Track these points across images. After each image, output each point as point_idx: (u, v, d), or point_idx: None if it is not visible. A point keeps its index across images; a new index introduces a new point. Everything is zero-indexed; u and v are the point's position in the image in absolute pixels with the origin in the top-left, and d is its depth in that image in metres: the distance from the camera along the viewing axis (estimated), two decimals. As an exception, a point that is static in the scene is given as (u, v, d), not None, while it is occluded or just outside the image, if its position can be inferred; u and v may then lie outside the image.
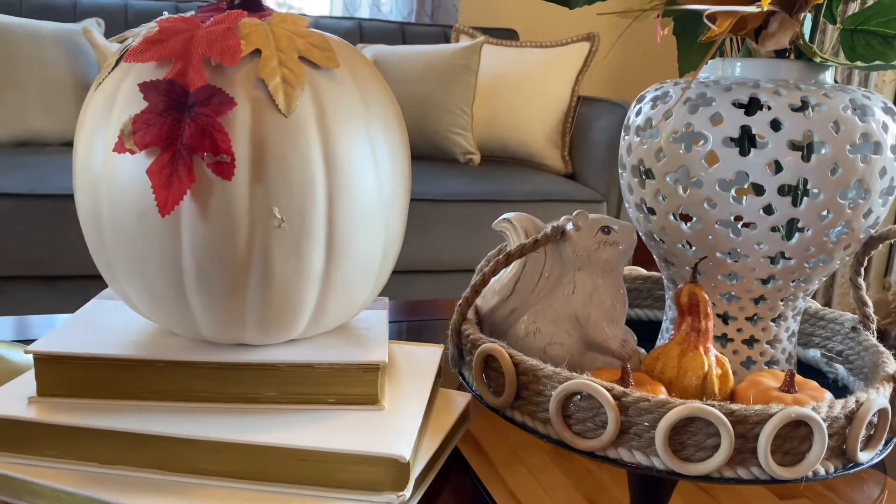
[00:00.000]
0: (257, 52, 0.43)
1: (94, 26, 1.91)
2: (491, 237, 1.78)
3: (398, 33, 2.25)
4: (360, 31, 2.22)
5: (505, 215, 0.65)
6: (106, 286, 0.92)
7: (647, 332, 0.72)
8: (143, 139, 0.41)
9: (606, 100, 2.01)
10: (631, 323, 0.68)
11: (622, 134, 0.64)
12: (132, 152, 0.41)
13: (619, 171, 0.65)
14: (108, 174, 0.43)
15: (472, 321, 0.61)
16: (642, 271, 0.80)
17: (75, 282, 1.60)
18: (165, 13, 0.49)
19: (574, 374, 0.51)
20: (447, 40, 2.27)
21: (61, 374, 0.46)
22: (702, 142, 0.56)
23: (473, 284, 0.60)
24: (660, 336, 0.69)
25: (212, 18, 0.44)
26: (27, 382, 0.48)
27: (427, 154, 2.03)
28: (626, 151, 0.62)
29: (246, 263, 0.43)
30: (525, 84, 2.06)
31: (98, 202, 0.44)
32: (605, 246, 0.60)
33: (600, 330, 0.60)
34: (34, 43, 1.77)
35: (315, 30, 0.47)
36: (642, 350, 0.62)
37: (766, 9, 0.46)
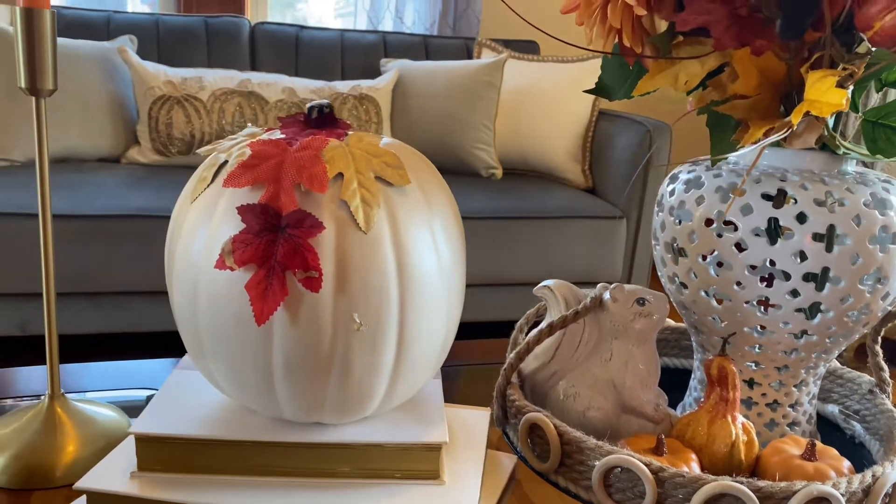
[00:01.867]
0: (339, 174, 0.48)
1: (128, 44, 1.97)
2: (514, 253, 1.83)
3: (421, 46, 2.29)
4: (384, 45, 2.26)
5: (545, 283, 0.70)
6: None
7: (674, 378, 0.78)
8: (241, 257, 0.46)
9: (627, 116, 2.04)
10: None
11: (655, 209, 0.69)
12: (232, 269, 0.46)
13: (653, 242, 0.70)
14: (206, 284, 0.48)
15: (515, 384, 0.67)
16: (671, 322, 0.85)
17: (114, 298, 1.66)
18: (249, 125, 0.54)
19: (615, 447, 0.56)
20: (469, 53, 2.31)
21: (159, 452, 0.52)
22: (732, 226, 0.61)
23: (518, 351, 0.66)
24: (688, 392, 0.74)
25: (298, 143, 0.49)
26: (125, 455, 0.54)
27: (450, 169, 2.08)
28: (660, 227, 0.67)
29: (328, 361, 0.48)
30: (546, 98, 2.10)
31: (196, 304, 0.49)
32: (640, 317, 0.65)
33: (635, 395, 0.65)
34: (72, 62, 1.83)
35: (389, 143, 0.52)
36: (673, 412, 0.67)
37: (796, 123, 0.50)
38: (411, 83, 2.08)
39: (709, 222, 0.61)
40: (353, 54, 2.23)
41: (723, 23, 0.50)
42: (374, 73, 2.22)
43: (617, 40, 0.58)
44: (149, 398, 0.75)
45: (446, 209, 0.53)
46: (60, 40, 1.85)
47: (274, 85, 1.94)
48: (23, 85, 0.56)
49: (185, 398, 0.56)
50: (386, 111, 2.04)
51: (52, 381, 0.62)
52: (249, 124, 0.56)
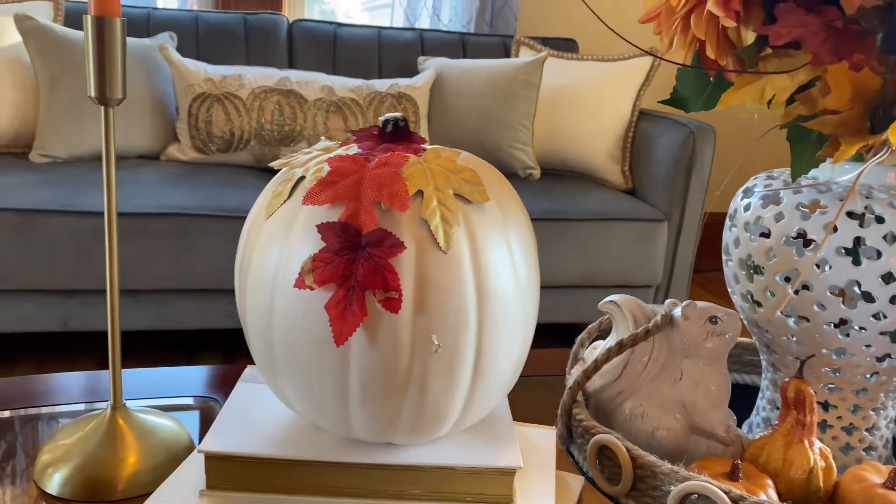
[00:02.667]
0: (419, 192, 0.47)
1: (169, 41, 1.97)
2: (552, 255, 1.81)
3: (458, 44, 2.27)
4: (422, 43, 2.24)
5: (611, 297, 0.68)
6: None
7: (737, 394, 0.76)
8: (321, 277, 0.45)
9: (669, 116, 2.01)
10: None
11: (727, 223, 0.67)
12: (311, 289, 0.45)
13: (724, 257, 0.67)
14: (282, 301, 0.47)
15: (581, 403, 0.65)
16: (732, 337, 0.82)
17: (154, 295, 1.67)
18: (323, 138, 0.53)
19: (691, 473, 0.54)
20: (507, 51, 2.28)
21: (228, 470, 0.51)
22: (813, 245, 0.59)
23: (586, 370, 0.64)
24: (755, 412, 0.72)
25: (376, 159, 0.48)
26: (192, 471, 0.53)
27: (488, 168, 2.06)
28: (734, 243, 0.65)
29: (405, 383, 0.47)
30: (586, 98, 2.07)
31: (270, 321, 0.48)
32: (712, 336, 0.63)
33: (706, 417, 0.63)
34: (113, 60, 1.83)
35: (466, 158, 0.50)
36: (743, 434, 0.65)
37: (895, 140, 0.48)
38: (449, 82, 2.07)
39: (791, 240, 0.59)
40: (391, 52, 2.22)
41: (819, 36, 0.48)
42: (412, 70, 2.21)
43: (697, 50, 0.56)
44: (203, 407, 0.74)
45: (522, 226, 0.52)
46: (102, 37, 1.85)
47: (312, 83, 1.93)
48: (92, 94, 0.55)
49: (252, 414, 0.55)
50: (423, 110, 2.03)
51: (115, 391, 0.62)
52: (323, 138, 0.54)
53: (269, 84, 1.89)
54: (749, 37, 0.52)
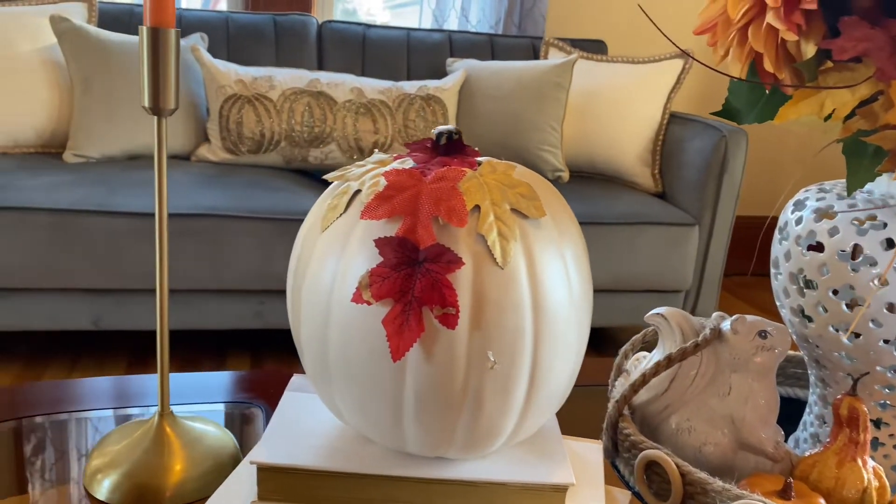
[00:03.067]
0: (476, 207, 0.46)
1: (200, 42, 1.98)
2: (581, 259, 1.79)
3: (487, 46, 2.26)
4: (450, 44, 2.24)
5: (658, 310, 0.68)
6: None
7: (780, 408, 0.74)
8: (378, 291, 0.45)
9: (700, 119, 1.99)
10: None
11: (776, 234, 0.66)
12: (369, 303, 0.45)
13: (773, 269, 0.66)
14: (339, 315, 0.47)
15: (627, 416, 0.64)
16: (776, 349, 0.81)
17: (185, 295, 1.68)
18: (377, 151, 0.53)
19: (743, 491, 0.54)
20: (536, 53, 2.27)
21: (279, 481, 0.51)
22: (861, 257, 0.57)
23: (633, 383, 0.63)
24: (802, 428, 0.71)
25: (432, 173, 0.48)
26: (244, 482, 0.53)
27: (516, 170, 2.06)
28: (784, 257, 0.64)
29: (460, 398, 0.47)
30: (615, 100, 2.05)
31: (326, 334, 0.48)
32: (761, 350, 0.62)
33: (755, 432, 0.62)
34: (146, 61, 1.85)
35: (521, 172, 0.50)
36: (792, 450, 0.64)
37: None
38: (478, 83, 2.06)
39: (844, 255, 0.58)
40: (419, 53, 2.21)
41: (885, 50, 0.47)
42: (440, 72, 2.21)
43: (752, 62, 0.56)
44: (244, 413, 0.75)
45: (576, 240, 0.51)
46: (132, 38, 1.87)
47: (342, 85, 1.93)
48: (146, 104, 0.55)
49: (302, 424, 0.55)
50: (452, 112, 2.02)
51: (162, 399, 0.62)
52: (377, 150, 0.54)
53: (300, 86, 1.90)
54: (809, 50, 0.51)
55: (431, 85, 2.02)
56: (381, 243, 0.45)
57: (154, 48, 0.54)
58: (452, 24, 2.41)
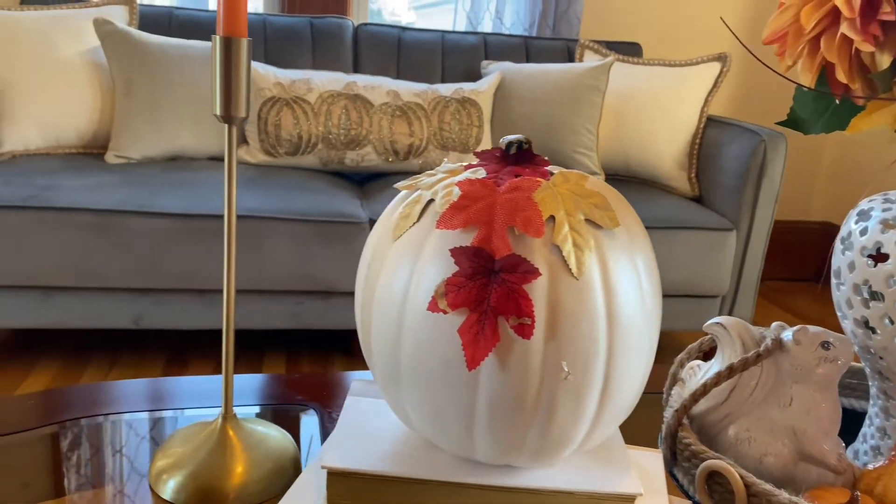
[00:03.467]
0: (550, 217, 0.46)
1: (239, 45, 2.00)
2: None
3: (521, 48, 2.26)
4: (485, 47, 2.24)
5: (717, 319, 0.67)
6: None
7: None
8: (454, 300, 0.45)
9: (738, 123, 1.97)
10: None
11: (838, 244, 0.65)
12: (444, 312, 0.45)
13: (834, 280, 0.66)
14: (412, 323, 0.47)
15: (686, 426, 0.64)
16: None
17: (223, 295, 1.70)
18: (446, 160, 0.53)
19: (811, 504, 0.53)
20: (570, 55, 2.27)
21: (348, 486, 0.52)
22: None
23: (694, 393, 0.63)
24: (861, 440, 0.70)
25: (506, 183, 0.48)
26: (311, 486, 0.54)
27: (551, 173, 2.05)
28: (847, 268, 0.63)
29: (533, 408, 0.47)
30: (652, 103, 2.04)
31: (399, 341, 0.48)
32: (824, 361, 0.62)
33: (817, 444, 0.62)
34: (186, 63, 1.87)
35: (594, 182, 0.50)
36: (854, 463, 0.63)
37: None
38: (513, 86, 2.06)
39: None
40: (454, 56, 2.22)
41: (966, 62, 0.46)
42: (474, 74, 2.21)
43: (819, 71, 0.55)
44: (299, 415, 0.76)
45: (647, 249, 0.51)
46: (178, 42, 1.90)
47: (378, 88, 1.94)
48: (217, 112, 0.56)
49: (367, 429, 0.56)
50: (487, 114, 2.02)
51: (227, 402, 0.63)
52: (446, 160, 0.54)
53: (337, 89, 1.91)
54: (885, 61, 0.51)
55: (467, 88, 2.02)
56: (456, 253, 0.46)
57: (227, 57, 0.55)
58: (486, 26, 2.42)
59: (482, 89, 2.03)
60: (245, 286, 1.68)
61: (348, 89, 1.92)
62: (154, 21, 2.06)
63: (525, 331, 0.45)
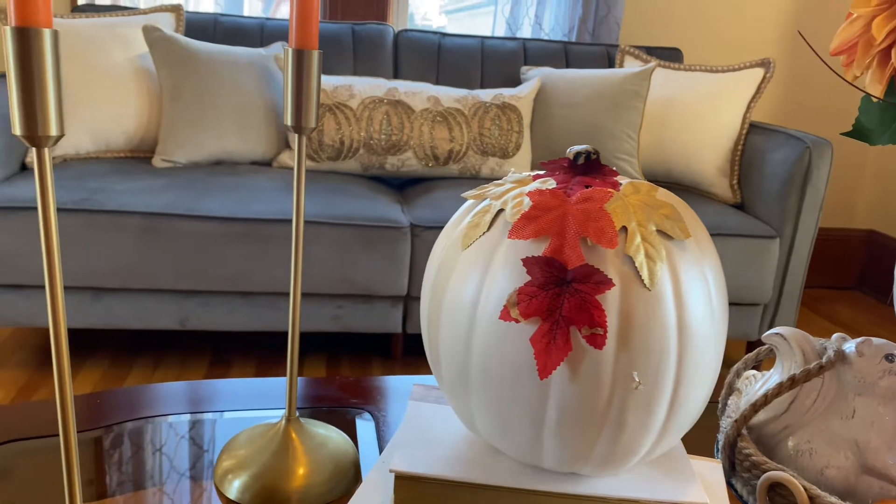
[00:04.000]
0: (622, 228, 0.47)
1: (282, 51, 2.04)
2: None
3: (561, 54, 2.26)
4: (525, 53, 2.25)
5: (777, 329, 0.67)
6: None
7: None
8: (526, 310, 0.46)
9: (782, 130, 1.95)
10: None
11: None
12: (517, 321, 0.46)
13: (897, 292, 0.65)
14: (482, 331, 0.48)
15: (746, 436, 0.64)
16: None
17: (266, 297, 1.72)
18: (513, 170, 0.54)
19: (879, 518, 0.53)
20: (610, 60, 2.26)
21: (415, 490, 0.53)
22: None
23: (754, 403, 0.63)
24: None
25: (576, 193, 0.48)
26: (376, 489, 0.55)
27: (590, 179, 2.05)
28: (913, 279, 0.62)
29: (603, 417, 0.47)
30: (693, 109, 2.03)
31: (468, 349, 0.49)
32: (888, 374, 0.61)
33: (881, 457, 0.61)
34: (231, 69, 1.91)
35: (664, 193, 0.50)
36: (919, 476, 0.62)
37: None
38: (553, 92, 2.06)
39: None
40: (494, 61, 2.23)
41: None
42: (514, 80, 2.21)
43: (888, 82, 0.55)
44: (355, 419, 0.77)
45: (715, 259, 0.51)
46: (223, 48, 1.93)
47: (419, 94, 1.96)
48: (288, 122, 0.57)
49: (431, 434, 0.57)
50: (527, 120, 2.03)
51: (290, 404, 0.64)
52: (513, 169, 0.55)
53: (378, 94, 1.93)
54: (959, 72, 0.50)
55: (507, 93, 2.02)
56: (528, 262, 0.46)
57: (298, 69, 0.56)
58: (526, 32, 2.42)
59: (522, 95, 2.03)
60: (289, 289, 1.71)
61: (389, 95, 1.94)
62: (200, 27, 2.10)
63: (597, 341, 0.45)
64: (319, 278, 1.71)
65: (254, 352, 1.95)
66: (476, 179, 2.02)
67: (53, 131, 0.43)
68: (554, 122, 2.04)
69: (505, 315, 0.46)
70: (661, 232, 0.48)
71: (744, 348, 2.13)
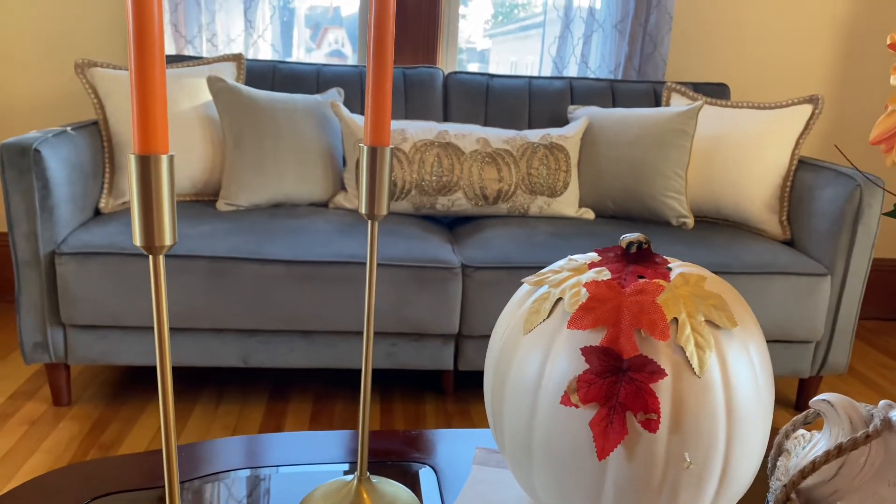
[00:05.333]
0: (674, 319, 0.51)
1: (337, 97, 2.12)
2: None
3: (608, 91, 2.30)
4: (571, 91, 2.29)
5: (824, 396, 0.70)
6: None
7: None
8: (586, 396, 0.50)
9: (832, 167, 1.95)
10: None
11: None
12: (576, 406, 0.50)
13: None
14: (545, 412, 0.52)
15: (794, 500, 0.67)
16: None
17: (325, 336, 1.79)
18: (569, 257, 0.59)
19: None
20: (657, 96, 2.29)
21: (482, 554, 0.57)
22: None
23: (803, 470, 0.66)
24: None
25: (630, 285, 0.53)
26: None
27: (640, 217, 2.08)
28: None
29: (657, 494, 0.51)
30: (741, 146, 2.04)
31: (531, 427, 0.54)
32: (935, 443, 0.64)
33: (929, 524, 0.63)
34: (290, 115, 2.00)
35: (711, 282, 0.54)
36: (968, 543, 0.64)
37: None
38: (600, 131, 2.10)
39: None
40: (541, 101, 2.28)
41: None
42: (561, 119, 2.26)
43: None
44: (417, 473, 0.81)
45: (759, 341, 0.55)
46: (283, 96, 2.03)
47: (469, 136, 2.02)
48: (363, 210, 0.63)
49: (494, 499, 0.61)
50: (574, 159, 2.07)
51: (361, 464, 0.70)
52: (569, 257, 0.60)
53: (429, 137, 2.00)
54: None
55: (554, 133, 2.07)
56: (587, 352, 0.51)
57: (372, 164, 0.62)
58: (572, 70, 2.47)
59: (569, 135, 2.08)
60: (345, 328, 1.77)
61: (440, 137, 2.00)
62: (260, 74, 2.21)
63: (652, 426, 0.49)
64: (375, 317, 1.77)
65: (311, 385, 2.02)
66: (525, 217, 2.07)
67: (168, 241, 0.49)
68: (601, 161, 2.08)
69: (566, 400, 0.51)
70: (709, 322, 0.52)
71: (796, 385, 2.11)
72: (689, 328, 0.51)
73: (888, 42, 0.60)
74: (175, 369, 2.07)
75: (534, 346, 0.54)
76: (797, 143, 2.02)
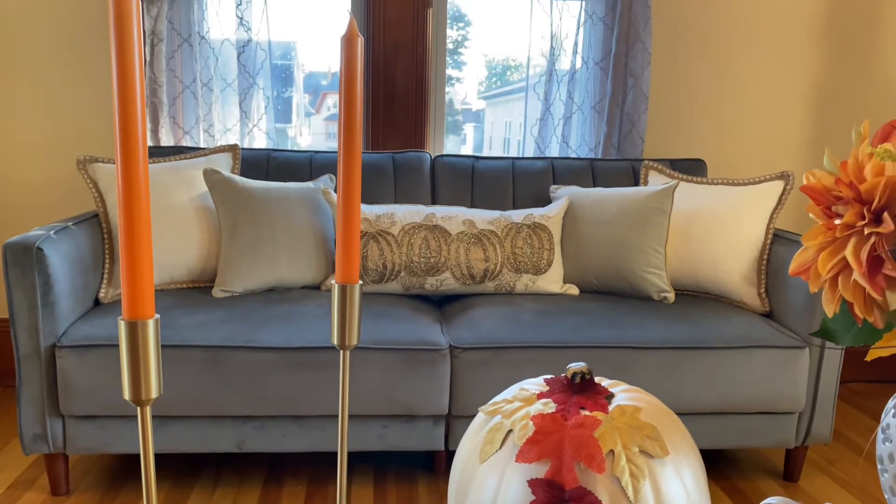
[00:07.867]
0: (610, 451, 0.57)
1: (328, 183, 2.21)
2: (690, 382, 1.84)
3: (588, 170, 2.39)
4: (553, 171, 2.39)
5: (771, 500, 0.75)
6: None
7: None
8: (532, 525, 0.55)
9: (804, 240, 2.02)
10: None
11: (880, 434, 0.72)
12: (525, 534, 0.56)
13: (879, 466, 0.73)
14: (498, 538, 0.58)
15: None
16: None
17: (317, 420, 1.83)
18: (521, 388, 0.65)
19: None
20: (635, 174, 2.38)
21: None
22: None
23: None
24: None
25: (572, 419, 0.59)
26: None
27: (622, 292, 2.14)
28: (888, 457, 0.70)
29: None
30: (718, 221, 2.12)
31: (486, 551, 0.59)
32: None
33: None
34: (283, 203, 2.08)
35: (646, 412, 0.60)
36: None
37: None
38: (581, 210, 2.18)
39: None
40: (524, 180, 2.37)
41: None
42: (543, 197, 2.35)
43: (840, 301, 0.64)
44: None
45: (694, 464, 0.60)
46: (272, 185, 2.11)
47: (455, 218, 2.10)
48: (335, 342, 0.69)
49: None
50: (557, 237, 2.14)
51: (340, 577, 0.74)
52: (521, 386, 0.66)
53: (417, 220, 2.08)
54: (895, 301, 0.60)
55: (537, 213, 2.15)
56: (533, 484, 0.56)
57: (342, 300, 0.68)
58: (553, 150, 2.57)
59: (551, 214, 2.16)
60: (336, 412, 1.81)
61: (427, 220, 2.08)
62: (254, 163, 2.30)
63: (592, 550, 0.55)
64: (365, 400, 1.81)
65: (304, 468, 2.05)
66: (511, 294, 2.13)
67: (154, 395, 0.55)
68: (583, 238, 2.16)
69: (515, 528, 0.56)
70: (643, 452, 0.57)
71: (783, 455, 2.14)
72: (625, 459, 0.56)
73: (829, 162, 0.67)
74: (172, 455, 2.10)
75: (489, 475, 0.60)
76: (771, 218, 2.10)
